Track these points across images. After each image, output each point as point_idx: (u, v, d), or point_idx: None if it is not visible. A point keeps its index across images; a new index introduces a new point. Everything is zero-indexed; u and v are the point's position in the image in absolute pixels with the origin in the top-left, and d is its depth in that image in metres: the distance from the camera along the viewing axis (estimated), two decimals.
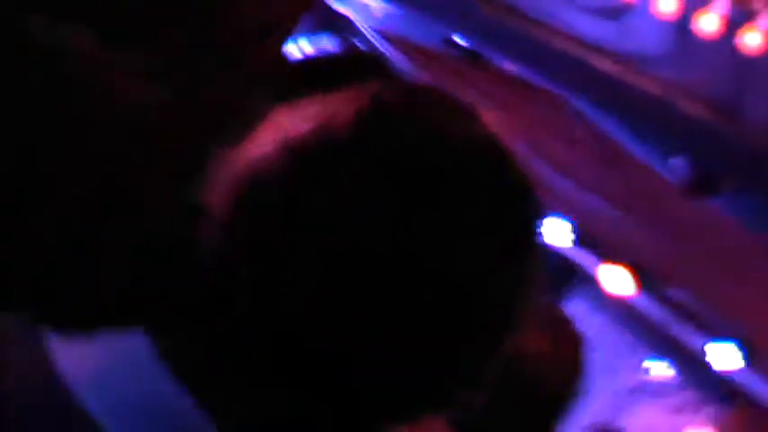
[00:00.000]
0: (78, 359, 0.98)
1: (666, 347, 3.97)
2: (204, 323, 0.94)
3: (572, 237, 3.79)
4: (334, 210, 0.89)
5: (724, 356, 3.74)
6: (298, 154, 0.91)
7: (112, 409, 0.95)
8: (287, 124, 0.93)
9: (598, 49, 2.74)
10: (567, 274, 3.99)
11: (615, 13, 2.65)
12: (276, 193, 0.90)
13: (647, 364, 4.19)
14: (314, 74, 1.04)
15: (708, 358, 3.77)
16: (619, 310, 3.96)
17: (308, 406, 0.92)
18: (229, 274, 0.91)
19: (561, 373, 2.10)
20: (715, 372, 3.83)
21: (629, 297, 3.74)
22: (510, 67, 3.24)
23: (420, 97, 0.97)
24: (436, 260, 0.89)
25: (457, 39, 3.40)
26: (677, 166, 3.00)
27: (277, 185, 0.90)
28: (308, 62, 1.07)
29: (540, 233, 0.96)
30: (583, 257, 3.86)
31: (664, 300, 3.62)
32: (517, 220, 0.94)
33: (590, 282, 3.99)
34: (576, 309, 4.09)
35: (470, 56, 3.31)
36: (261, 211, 0.91)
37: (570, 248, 3.86)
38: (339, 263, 0.88)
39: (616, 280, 3.70)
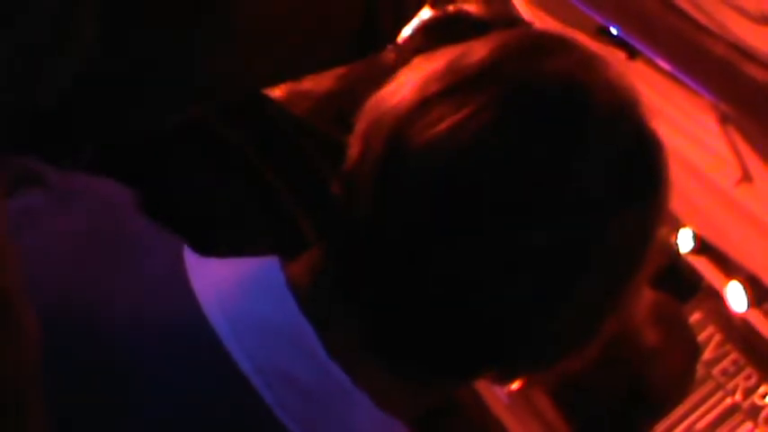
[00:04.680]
0: (210, 279, 1.02)
1: None
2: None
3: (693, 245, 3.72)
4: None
5: None
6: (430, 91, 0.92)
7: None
8: (424, 66, 0.96)
9: (752, 57, 2.68)
10: (692, 286, 3.93)
11: None
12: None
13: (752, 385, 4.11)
14: (449, 30, 1.07)
15: None
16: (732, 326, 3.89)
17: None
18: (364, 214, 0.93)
19: (668, 375, 2.08)
20: None
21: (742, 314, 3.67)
22: (663, 65, 3.19)
23: (551, 41, 0.99)
24: (560, 195, 0.90)
25: (612, 30, 3.36)
26: None
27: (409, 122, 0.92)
28: (443, 19, 1.10)
29: (665, 185, 0.95)
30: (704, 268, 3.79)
31: None
32: (645, 162, 0.94)
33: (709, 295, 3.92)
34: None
35: (625, 48, 3.27)
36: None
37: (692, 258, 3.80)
38: (464, 198, 0.89)
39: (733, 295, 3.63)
